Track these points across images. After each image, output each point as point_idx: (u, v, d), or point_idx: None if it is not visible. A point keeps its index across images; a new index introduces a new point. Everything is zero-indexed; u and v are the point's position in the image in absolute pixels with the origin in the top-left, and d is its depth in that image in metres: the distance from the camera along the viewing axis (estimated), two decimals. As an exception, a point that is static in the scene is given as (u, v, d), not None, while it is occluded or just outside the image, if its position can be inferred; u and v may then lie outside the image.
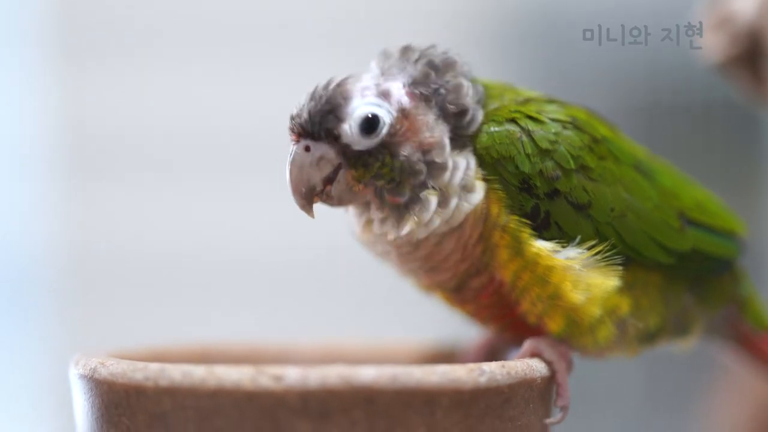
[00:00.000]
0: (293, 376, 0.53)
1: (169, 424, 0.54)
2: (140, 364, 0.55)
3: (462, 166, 0.60)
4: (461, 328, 0.70)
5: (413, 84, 0.61)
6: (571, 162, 0.61)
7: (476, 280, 0.63)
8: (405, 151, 0.60)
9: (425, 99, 0.61)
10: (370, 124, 0.60)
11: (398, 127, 0.60)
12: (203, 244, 1.69)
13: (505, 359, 0.60)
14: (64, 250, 1.72)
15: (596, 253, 0.61)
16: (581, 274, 0.61)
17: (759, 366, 0.72)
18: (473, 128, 0.61)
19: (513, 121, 0.61)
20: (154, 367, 0.54)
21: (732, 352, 0.72)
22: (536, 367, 0.59)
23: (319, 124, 0.60)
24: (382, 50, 0.63)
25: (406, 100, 0.60)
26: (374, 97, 0.60)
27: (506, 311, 0.63)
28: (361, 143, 0.60)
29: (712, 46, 0.82)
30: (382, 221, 0.61)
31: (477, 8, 1.75)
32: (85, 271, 1.72)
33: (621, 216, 0.62)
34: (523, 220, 0.61)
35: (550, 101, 0.64)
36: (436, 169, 0.60)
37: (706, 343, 0.71)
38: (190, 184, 1.70)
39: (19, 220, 1.72)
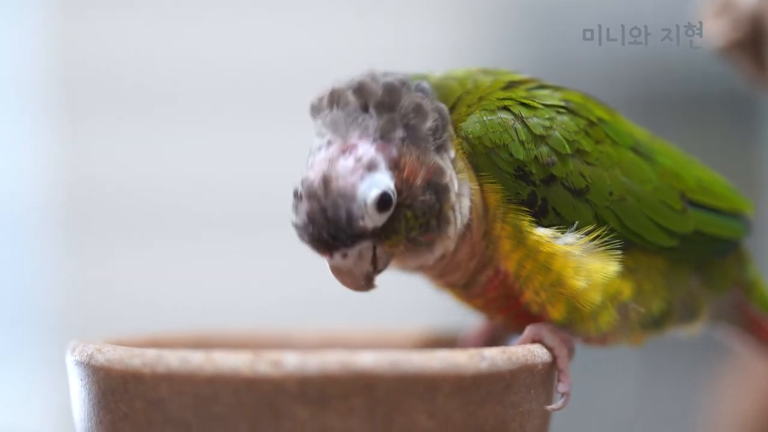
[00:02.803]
0: (292, 361, 0.52)
1: (166, 410, 0.53)
2: (137, 351, 0.54)
3: (450, 170, 0.60)
4: (463, 316, 0.69)
5: (382, 134, 0.59)
6: (567, 147, 0.61)
7: (483, 275, 0.62)
8: (417, 195, 0.59)
9: (401, 139, 0.59)
10: (383, 203, 0.58)
11: (401, 182, 0.59)
12: (204, 190, 1.70)
13: (506, 345, 0.59)
14: (60, 191, 1.73)
15: (595, 238, 0.61)
16: (581, 259, 0.60)
17: (766, 350, 0.71)
18: (447, 131, 0.60)
19: (505, 108, 0.61)
20: (151, 353, 0.54)
21: (739, 337, 0.71)
22: (537, 353, 0.58)
23: (343, 237, 0.58)
24: (313, 105, 0.60)
25: (391, 154, 0.59)
26: (368, 175, 0.58)
27: (512, 302, 0.62)
28: (382, 219, 0.59)
29: (714, 31, 0.82)
30: (416, 253, 0.61)
31: (477, 8, 1.75)
32: (81, 213, 1.73)
33: (620, 200, 0.62)
34: (522, 208, 0.60)
35: (542, 86, 0.63)
36: (443, 190, 0.59)
37: (711, 329, 0.71)
38: (188, 126, 1.71)
39: (14, 162, 1.73)
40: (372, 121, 0.59)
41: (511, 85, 0.63)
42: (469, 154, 0.60)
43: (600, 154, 0.62)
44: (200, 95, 1.73)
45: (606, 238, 0.61)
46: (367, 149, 0.58)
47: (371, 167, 0.58)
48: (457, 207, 0.60)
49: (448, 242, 0.60)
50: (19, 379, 1.71)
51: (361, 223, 0.58)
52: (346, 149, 0.58)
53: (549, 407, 0.60)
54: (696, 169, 0.67)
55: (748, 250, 0.70)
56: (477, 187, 0.60)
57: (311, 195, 0.58)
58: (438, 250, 0.61)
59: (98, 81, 1.73)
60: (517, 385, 0.56)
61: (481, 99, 0.61)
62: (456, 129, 0.61)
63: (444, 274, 0.63)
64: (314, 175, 0.58)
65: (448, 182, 0.59)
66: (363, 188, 0.58)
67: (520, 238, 0.60)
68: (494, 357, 0.55)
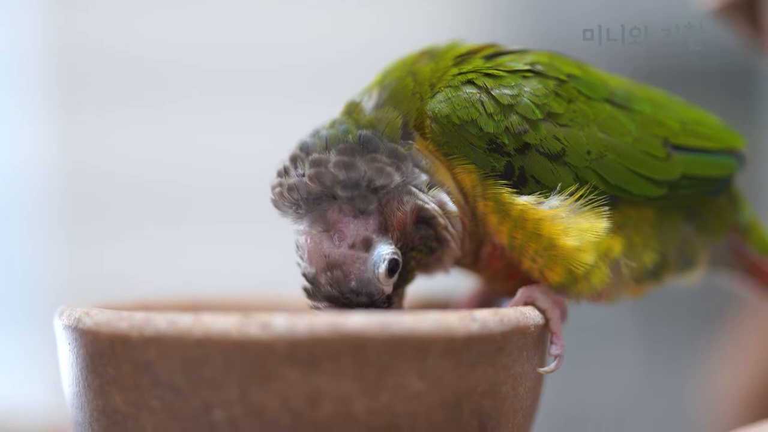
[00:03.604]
0: (281, 323, 0.52)
1: (155, 373, 0.53)
2: (125, 314, 0.53)
3: (426, 196, 0.60)
4: (457, 279, 0.69)
5: (360, 210, 0.60)
6: (537, 112, 0.60)
7: (483, 251, 0.62)
8: (413, 236, 0.61)
9: (377, 205, 0.60)
10: (393, 270, 0.60)
11: (396, 239, 0.60)
12: (199, 170, 1.70)
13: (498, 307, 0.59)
14: (57, 177, 1.73)
15: (579, 198, 0.60)
16: (569, 220, 0.59)
17: None
18: (409, 148, 0.60)
19: (470, 82, 0.60)
20: (139, 316, 0.53)
21: (742, 281, 0.71)
22: (530, 315, 0.58)
23: (369, 303, 0.60)
24: (275, 202, 0.60)
25: (375, 223, 0.60)
26: (367, 255, 0.59)
27: (515, 271, 0.62)
28: (396, 276, 0.60)
29: (710, -8, 0.81)
30: (429, 270, 0.64)
31: (477, 9, 1.74)
32: (76, 198, 1.72)
33: (599, 157, 0.61)
34: (500, 181, 0.59)
35: (500, 52, 0.62)
36: (431, 217, 0.60)
37: (713, 275, 0.70)
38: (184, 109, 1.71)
39: (12, 148, 1.73)
40: (345, 205, 0.59)
41: (462, 58, 0.62)
42: (439, 134, 0.60)
43: (573, 113, 0.61)
44: (196, 82, 1.73)
45: (591, 197, 0.60)
46: (352, 230, 0.59)
47: (367, 245, 0.59)
48: (447, 222, 0.61)
49: (453, 251, 0.62)
50: (15, 360, 1.71)
51: (381, 292, 0.60)
52: (333, 235, 0.59)
53: (541, 370, 0.59)
54: (681, 110, 0.65)
55: (742, 193, 0.68)
56: (450, 176, 0.60)
57: (323, 283, 0.59)
58: (448, 262, 0.63)
59: (95, 67, 1.73)
60: (509, 347, 0.56)
61: (440, 79, 0.61)
62: (423, 117, 0.60)
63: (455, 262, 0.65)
64: (317, 267, 0.59)
65: (431, 208, 0.60)
66: (370, 268, 0.59)
67: (503, 211, 0.60)
68: (486, 319, 0.55)
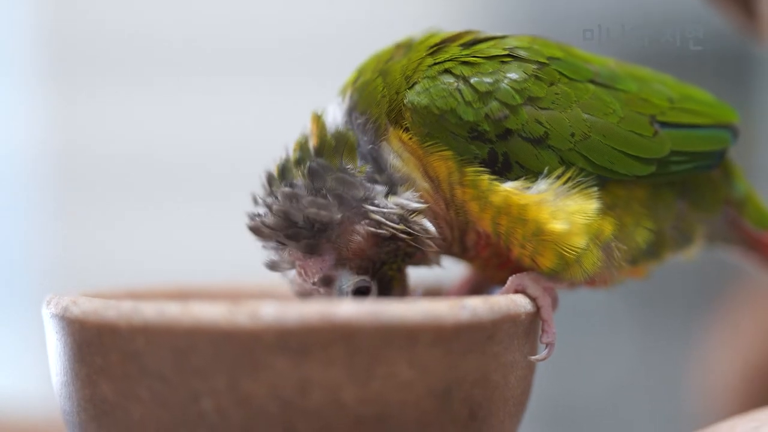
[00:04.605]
0: (270, 312, 0.51)
1: (143, 363, 0.52)
2: (112, 302, 0.53)
3: (387, 210, 0.61)
4: (447, 267, 0.69)
5: (302, 248, 0.61)
6: (517, 97, 0.60)
7: (468, 239, 0.62)
8: (379, 255, 0.62)
9: (332, 241, 0.61)
10: (362, 294, 0.62)
11: (356, 267, 0.61)
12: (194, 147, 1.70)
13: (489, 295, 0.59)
14: (50, 155, 1.72)
15: (567, 181, 0.60)
16: (557, 203, 0.59)
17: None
18: (375, 141, 0.61)
19: (447, 71, 0.60)
20: (126, 305, 0.53)
21: (742, 255, 0.70)
22: (520, 303, 0.57)
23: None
24: (254, 230, 0.61)
25: (329, 260, 0.61)
26: (330, 291, 0.61)
27: (505, 259, 0.62)
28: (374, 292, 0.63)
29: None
30: (416, 266, 0.64)
31: (476, 8, 1.74)
32: (70, 177, 1.72)
33: (584, 139, 0.60)
34: (480, 168, 0.59)
35: (478, 40, 0.62)
36: (393, 233, 0.61)
37: (711, 251, 0.69)
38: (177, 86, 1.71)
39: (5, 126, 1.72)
40: (295, 248, 0.61)
41: (437, 47, 0.62)
42: (420, 125, 0.60)
43: (555, 96, 0.60)
44: (192, 60, 1.72)
45: (579, 179, 0.60)
46: (312, 269, 0.61)
47: (327, 282, 0.61)
48: (415, 227, 0.61)
49: (433, 250, 0.62)
50: (7, 339, 1.71)
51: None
52: (302, 269, 0.61)
53: (533, 358, 0.59)
54: (670, 87, 0.65)
55: (738, 166, 0.68)
56: (419, 167, 0.60)
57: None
58: (434, 258, 0.64)
59: (89, 46, 1.72)
60: (499, 335, 0.56)
61: (415, 71, 0.60)
62: (400, 109, 0.60)
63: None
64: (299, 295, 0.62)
65: (388, 229, 0.61)
66: (339, 298, 0.61)
67: (484, 197, 0.59)
68: (475, 307, 0.54)
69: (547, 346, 0.60)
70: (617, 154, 0.61)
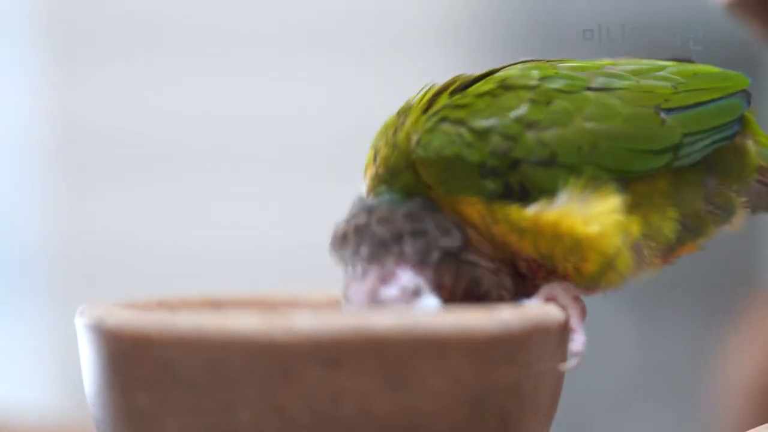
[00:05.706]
0: (305, 323, 0.52)
1: (177, 372, 0.53)
2: (147, 313, 0.54)
3: (481, 267, 0.61)
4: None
5: (420, 258, 0.60)
6: (516, 126, 0.60)
7: (521, 267, 0.62)
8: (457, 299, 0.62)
9: (436, 261, 0.61)
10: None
11: (442, 298, 0.62)
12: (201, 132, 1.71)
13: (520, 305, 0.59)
14: (55, 131, 1.73)
15: (585, 188, 0.60)
16: (583, 209, 0.59)
17: None
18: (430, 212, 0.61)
19: (443, 120, 0.60)
20: (161, 316, 0.53)
21: None
22: (551, 312, 0.58)
23: None
24: (335, 240, 0.61)
25: (431, 277, 0.61)
26: (414, 300, 0.60)
27: (559, 275, 0.62)
28: None
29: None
30: None
31: (476, 8, 1.74)
32: (76, 152, 1.73)
33: (592, 148, 0.60)
34: (503, 202, 0.59)
35: (465, 85, 0.62)
36: (485, 290, 0.61)
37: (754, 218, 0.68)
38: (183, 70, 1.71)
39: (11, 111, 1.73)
40: (408, 248, 0.60)
41: (429, 103, 0.62)
42: (437, 177, 0.60)
43: (554, 114, 0.60)
44: (195, 37, 1.72)
45: (596, 182, 0.60)
46: (407, 277, 0.60)
47: (417, 292, 0.60)
48: (492, 282, 0.61)
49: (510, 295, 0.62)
50: (13, 315, 1.71)
51: None
52: (385, 278, 0.60)
53: (562, 367, 0.59)
54: (673, 72, 0.64)
55: (765, 134, 0.66)
56: (457, 220, 0.61)
57: None
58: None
59: (92, 20, 1.72)
60: (530, 345, 0.56)
61: (415, 131, 0.61)
62: (416, 169, 0.61)
63: None
64: (359, 304, 0.61)
65: (480, 277, 0.61)
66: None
67: (517, 227, 0.60)
68: (508, 317, 0.55)
69: (575, 355, 0.60)
70: (629, 153, 0.61)
